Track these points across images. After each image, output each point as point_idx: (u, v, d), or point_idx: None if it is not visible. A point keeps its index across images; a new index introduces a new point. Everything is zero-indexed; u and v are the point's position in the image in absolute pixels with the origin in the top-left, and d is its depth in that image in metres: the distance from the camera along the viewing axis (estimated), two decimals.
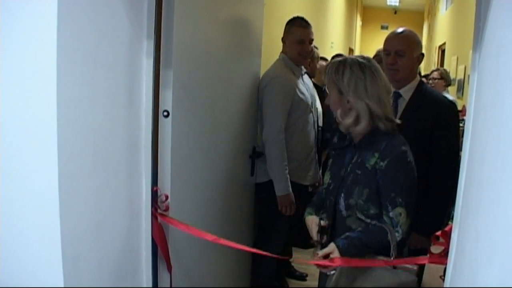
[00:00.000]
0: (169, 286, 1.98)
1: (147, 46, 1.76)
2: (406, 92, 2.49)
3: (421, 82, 2.56)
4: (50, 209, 1.33)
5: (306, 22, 3.16)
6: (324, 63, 4.56)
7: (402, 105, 2.48)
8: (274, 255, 2.05)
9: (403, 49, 2.44)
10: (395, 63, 2.44)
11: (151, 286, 1.91)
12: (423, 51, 2.71)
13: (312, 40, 3.24)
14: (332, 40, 9.67)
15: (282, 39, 3.19)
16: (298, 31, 3.11)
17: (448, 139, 2.37)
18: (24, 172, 1.33)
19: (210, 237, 1.95)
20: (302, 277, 4.02)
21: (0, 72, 1.29)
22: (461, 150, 1.61)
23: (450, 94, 5.98)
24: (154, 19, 1.76)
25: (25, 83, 1.29)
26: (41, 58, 1.27)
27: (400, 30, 2.55)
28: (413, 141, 2.29)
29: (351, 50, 14.49)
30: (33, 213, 1.35)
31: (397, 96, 2.48)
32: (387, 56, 2.49)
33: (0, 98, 1.30)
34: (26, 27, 1.27)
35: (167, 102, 1.87)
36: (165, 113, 1.87)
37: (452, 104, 2.49)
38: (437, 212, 2.40)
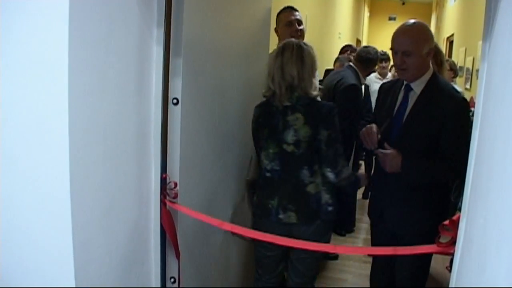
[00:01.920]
0: (177, 273, 1.99)
1: (157, 34, 1.77)
2: (418, 86, 2.41)
3: (434, 74, 2.43)
4: (61, 195, 1.35)
5: (291, 7, 3.34)
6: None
7: (413, 99, 2.41)
8: (275, 241, 2.04)
9: (410, 49, 2.33)
10: (403, 63, 2.35)
11: (159, 272, 1.93)
12: None
13: (300, 21, 3.34)
14: (339, 31, 9.64)
15: (275, 29, 3.29)
16: (285, 15, 3.28)
17: (456, 136, 2.26)
18: (35, 159, 1.34)
19: (215, 222, 1.96)
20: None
21: (12, 59, 1.30)
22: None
23: (458, 85, 5.97)
24: (164, 7, 1.76)
25: (36, 70, 1.30)
26: (53, 46, 1.28)
27: (408, 24, 2.43)
28: (421, 136, 2.32)
29: (358, 41, 14.43)
30: (44, 199, 1.36)
31: (408, 89, 2.44)
32: (395, 55, 2.41)
33: (12, 85, 1.31)
34: (38, 15, 1.28)
35: (176, 89, 1.88)
36: (175, 101, 1.88)
37: (464, 100, 2.39)
38: (436, 211, 2.37)
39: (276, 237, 2.01)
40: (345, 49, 5.60)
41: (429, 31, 2.45)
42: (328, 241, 2.57)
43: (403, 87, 2.47)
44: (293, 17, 3.27)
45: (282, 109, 2.39)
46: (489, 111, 1.26)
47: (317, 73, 2.50)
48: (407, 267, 2.48)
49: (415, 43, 2.33)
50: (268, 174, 2.49)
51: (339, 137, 2.39)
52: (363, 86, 4.44)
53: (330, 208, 2.42)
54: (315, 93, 2.38)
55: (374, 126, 2.47)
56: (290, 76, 2.34)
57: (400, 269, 2.53)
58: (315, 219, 2.42)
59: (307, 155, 2.36)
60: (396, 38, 2.40)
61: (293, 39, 2.50)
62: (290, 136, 2.36)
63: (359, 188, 2.59)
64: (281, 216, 2.45)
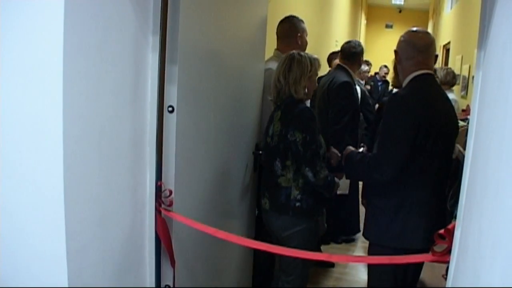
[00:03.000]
0: (172, 281, 1.98)
1: (153, 41, 1.77)
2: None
3: (413, 79, 2.36)
4: (55, 202, 1.35)
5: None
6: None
7: None
8: (269, 249, 2.04)
9: (397, 57, 2.43)
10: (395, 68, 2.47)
11: (154, 281, 1.92)
12: None
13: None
14: (336, 38, 9.67)
15: (281, 35, 3.30)
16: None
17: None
18: (30, 166, 1.34)
19: (210, 230, 1.96)
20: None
21: (6, 64, 1.30)
22: (464, 149, 1.62)
23: (454, 94, 5.98)
24: (160, 14, 1.76)
25: (31, 77, 1.30)
26: (48, 51, 1.28)
27: (405, 32, 2.49)
28: None
29: None
30: (38, 206, 1.36)
31: None
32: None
33: (6, 91, 1.31)
34: (33, 21, 1.28)
35: (172, 97, 1.87)
36: (170, 109, 1.88)
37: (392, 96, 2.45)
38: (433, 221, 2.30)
39: (270, 246, 2.01)
40: (331, 56, 5.51)
41: (416, 41, 2.43)
42: (302, 235, 2.65)
43: None
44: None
45: (274, 109, 2.74)
46: (484, 119, 1.26)
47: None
48: None
49: (400, 51, 2.43)
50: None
51: (316, 139, 2.57)
52: (357, 84, 4.48)
53: (297, 204, 2.60)
54: (299, 96, 2.62)
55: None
56: (279, 82, 2.64)
57: None
58: (283, 211, 2.63)
59: (279, 149, 2.60)
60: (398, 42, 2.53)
61: (294, 51, 2.71)
62: (270, 130, 2.68)
63: (334, 190, 2.67)
64: (262, 201, 2.76)
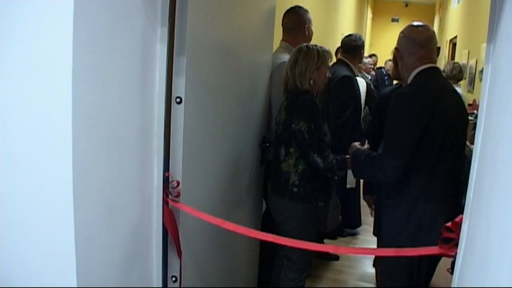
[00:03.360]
0: (178, 271, 1.99)
1: (161, 33, 1.77)
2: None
3: (418, 74, 2.34)
4: (65, 193, 1.35)
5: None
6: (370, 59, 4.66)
7: None
8: (277, 241, 2.05)
9: (398, 54, 2.40)
10: (396, 66, 2.44)
11: (161, 271, 1.94)
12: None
13: None
14: (342, 31, 9.63)
15: (288, 26, 3.29)
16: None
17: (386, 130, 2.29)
18: (39, 157, 1.35)
19: (217, 221, 1.97)
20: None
21: (16, 57, 1.31)
22: (472, 143, 1.62)
23: (461, 89, 5.96)
24: (168, 6, 1.76)
25: (41, 69, 1.31)
26: (58, 44, 1.29)
27: (404, 28, 2.47)
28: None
29: None
30: (48, 197, 1.37)
31: None
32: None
33: (17, 83, 1.32)
34: (43, 14, 1.29)
35: (179, 88, 1.88)
36: (178, 100, 1.88)
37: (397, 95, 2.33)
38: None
39: (277, 237, 2.02)
40: (339, 50, 5.46)
41: (415, 34, 2.41)
42: (297, 220, 2.74)
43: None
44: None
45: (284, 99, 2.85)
46: (493, 113, 1.26)
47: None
48: None
49: (401, 48, 2.40)
50: None
51: (321, 127, 2.67)
52: (359, 78, 4.46)
53: (295, 189, 2.70)
54: (304, 87, 2.70)
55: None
56: (286, 74, 2.76)
57: None
58: (281, 195, 2.75)
59: (284, 136, 2.72)
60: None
61: (303, 44, 2.80)
62: (278, 118, 2.82)
63: (344, 171, 2.83)
64: (267, 185, 2.91)
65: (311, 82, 2.69)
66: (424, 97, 2.18)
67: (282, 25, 3.38)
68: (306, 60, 2.69)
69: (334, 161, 2.67)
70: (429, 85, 2.24)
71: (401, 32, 2.42)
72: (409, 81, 2.33)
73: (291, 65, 2.73)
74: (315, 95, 2.82)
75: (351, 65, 4.13)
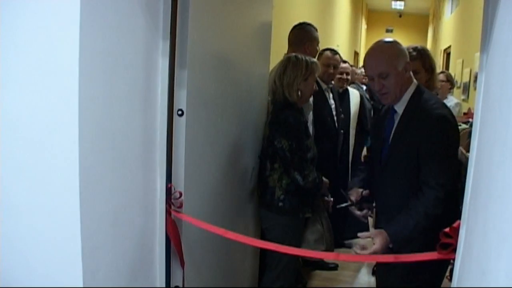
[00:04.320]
0: (181, 281, 2.01)
1: (163, 46, 1.80)
2: (400, 106, 2.27)
3: (417, 90, 2.27)
4: (72, 203, 1.37)
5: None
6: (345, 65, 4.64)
7: (396, 120, 2.30)
8: (279, 249, 2.07)
9: (385, 70, 2.18)
10: (382, 87, 2.20)
11: (164, 281, 1.95)
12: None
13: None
14: (337, 42, 9.71)
15: (291, 40, 3.30)
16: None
17: (435, 161, 2.09)
18: (47, 168, 1.37)
19: (219, 231, 2.00)
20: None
21: (24, 69, 1.34)
22: (468, 151, 1.64)
23: (455, 97, 6.01)
24: (169, 20, 1.80)
25: (49, 81, 1.33)
26: (65, 56, 1.31)
27: (376, 45, 2.32)
28: (405, 160, 2.21)
29: (356, 54, 14.50)
30: (55, 207, 1.39)
31: (393, 111, 2.32)
32: (372, 81, 2.28)
33: (24, 95, 1.35)
34: (50, 27, 1.32)
35: (181, 101, 1.91)
36: (179, 112, 1.91)
37: (440, 118, 2.14)
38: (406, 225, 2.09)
39: (278, 246, 2.04)
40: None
41: (400, 46, 2.28)
42: (280, 228, 2.80)
43: (390, 109, 2.38)
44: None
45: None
46: (488, 119, 1.29)
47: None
48: None
49: (388, 61, 2.19)
50: None
51: (302, 145, 2.68)
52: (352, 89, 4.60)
53: (280, 204, 2.76)
54: (292, 99, 2.72)
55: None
56: (274, 84, 2.78)
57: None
58: (267, 208, 2.82)
59: (267, 151, 2.78)
60: (368, 62, 2.28)
61: (292, 54, 2.82)
62: (263, 133, 2.88)
63: (322, 190, 2.83)
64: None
65: (299, 93, 2.71)
66: (452, 115, 2.20)
67: (288, 39, 3.43)
68: (295, 71, 2.71)
69: (316, 179, 2.70)
70: (439, 100, 2.25)
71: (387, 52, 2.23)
72: (404, 99, 2.24)
73: (279, 75, 2.74)
74: (301, 107, 2.83)
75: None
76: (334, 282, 4.06)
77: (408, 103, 2.25)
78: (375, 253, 2.00)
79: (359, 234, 2.12)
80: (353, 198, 2.44)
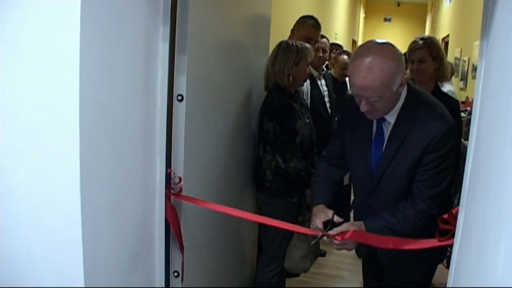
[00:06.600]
0: (180, 266, 2.03)
1: (163, 32, 1.80)
2: (391, 115, 1.98)
3: (408, 94, 1.98)
4: (72, 188, 1.38)
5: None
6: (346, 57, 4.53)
7: (388, 130, 2.01)
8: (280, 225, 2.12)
9: (378, 95, 1.83)
10: (370, 108, 1.90)
11: (163, 265, 1.96)
12: None
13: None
14: (336, 31, 9.69)
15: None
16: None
17: (432, 173, 1.92)
18: (46, 152, 1.38)
19: (219, 207, 2.06)
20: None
21: (25, 54, 1.34)
22: (466, 139, 1.63)
23: (453, 86, 6.01)
24: (170, 5, 1.79)
25: (50, 66, 1.33)
26: (66, 42, 1.31)
27: (367, 61, 1.79)
28: (401, 174, 1.99)
29: (354, 42, 14.47)
30: (55, 193, 1.39)
31: (381, 120, 2.01)
32: (357, 98, 1.93)
33: (25, 80, 1.35)
34: (51, 14, 1.31)
35: (181, 86, 1.91)
36: (179, 97, 1.91)
37: (447, 127, 1.91)
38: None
39: (281, 222, 2.10)
40: (331, 47, 4.92)
41: (396, 55, 1.85)
42: (270, 209, 2.86)
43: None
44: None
45: None
46: (488, 106, 1.29)
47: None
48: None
49: (384, 84, 1.80)
50: None
51: (286, 128, 2.71)
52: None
53: (268, 184, 2.84)
54: (284, 84, 2.75)
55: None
56: (267, 70, 2.81)
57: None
58: (259, 189, 2.93)
59: (260, 134, 2.86)
60: (357, 81, 1.84)
61: (284, 40, 2.85)
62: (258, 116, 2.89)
63: (303, 183, 2.82)
64: None
65: (290, 78, 2.74)
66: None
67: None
68: (286, 56, 2.73)
69: (300, 168, 2.70)
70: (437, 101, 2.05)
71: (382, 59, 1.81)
72: (398, 106, 1.96)
73: (271, 61, 2.78)
74: (293, 92, 2.86)
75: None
76: (329, 268, 4.08)
77: (400, 111, 1.97)
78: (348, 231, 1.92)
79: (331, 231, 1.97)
80: (319, 225, 2.04)
